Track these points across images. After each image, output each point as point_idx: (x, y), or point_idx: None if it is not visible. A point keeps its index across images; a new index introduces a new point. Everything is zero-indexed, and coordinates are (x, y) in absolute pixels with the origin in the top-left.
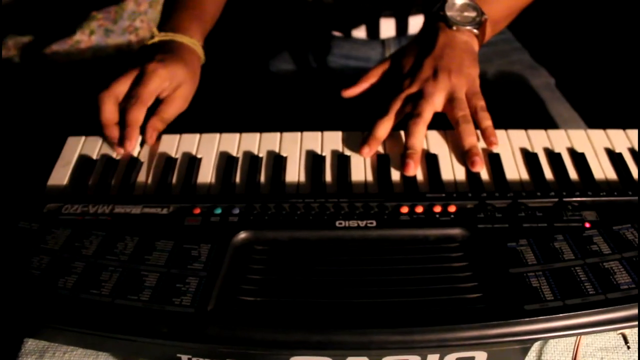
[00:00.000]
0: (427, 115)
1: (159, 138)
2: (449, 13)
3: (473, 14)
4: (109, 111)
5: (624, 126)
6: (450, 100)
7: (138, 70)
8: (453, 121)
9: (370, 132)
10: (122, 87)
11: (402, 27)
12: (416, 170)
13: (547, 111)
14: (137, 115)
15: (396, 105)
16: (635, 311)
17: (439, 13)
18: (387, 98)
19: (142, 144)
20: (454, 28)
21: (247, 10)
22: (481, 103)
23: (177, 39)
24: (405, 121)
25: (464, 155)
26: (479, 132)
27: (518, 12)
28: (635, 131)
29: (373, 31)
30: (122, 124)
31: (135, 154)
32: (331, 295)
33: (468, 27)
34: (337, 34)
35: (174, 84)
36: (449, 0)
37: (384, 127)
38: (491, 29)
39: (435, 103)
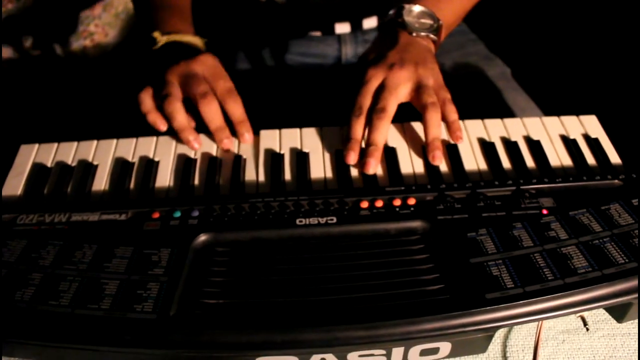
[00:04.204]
0: (391, 109)
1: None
2: (407, 19)
3: (430, 21)
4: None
5: (578, 112)
6: (418, 88)
7: (207, 90)
8: (421, 107)
9: (348, 137)
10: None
11: (356, 25)
12: (377, 169)
13: (504, 100)
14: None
15: (364, 100)
16: (590, 294)
17: (397, 20)
18: (354, 92)
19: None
20: (414, 34)
21: (199, 11)
22: (448, 96)
23: (185, 40)
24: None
25: (424, 146)
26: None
27: (465, 15)
28: (589, 117)
29: (328, 30)
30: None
31: (89, 159)
32: (294, 294)
33: (426, 34)
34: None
35: None
36: (407, 7)
37: (359, 127)
38: (444, 33)
39: (399, 94)
